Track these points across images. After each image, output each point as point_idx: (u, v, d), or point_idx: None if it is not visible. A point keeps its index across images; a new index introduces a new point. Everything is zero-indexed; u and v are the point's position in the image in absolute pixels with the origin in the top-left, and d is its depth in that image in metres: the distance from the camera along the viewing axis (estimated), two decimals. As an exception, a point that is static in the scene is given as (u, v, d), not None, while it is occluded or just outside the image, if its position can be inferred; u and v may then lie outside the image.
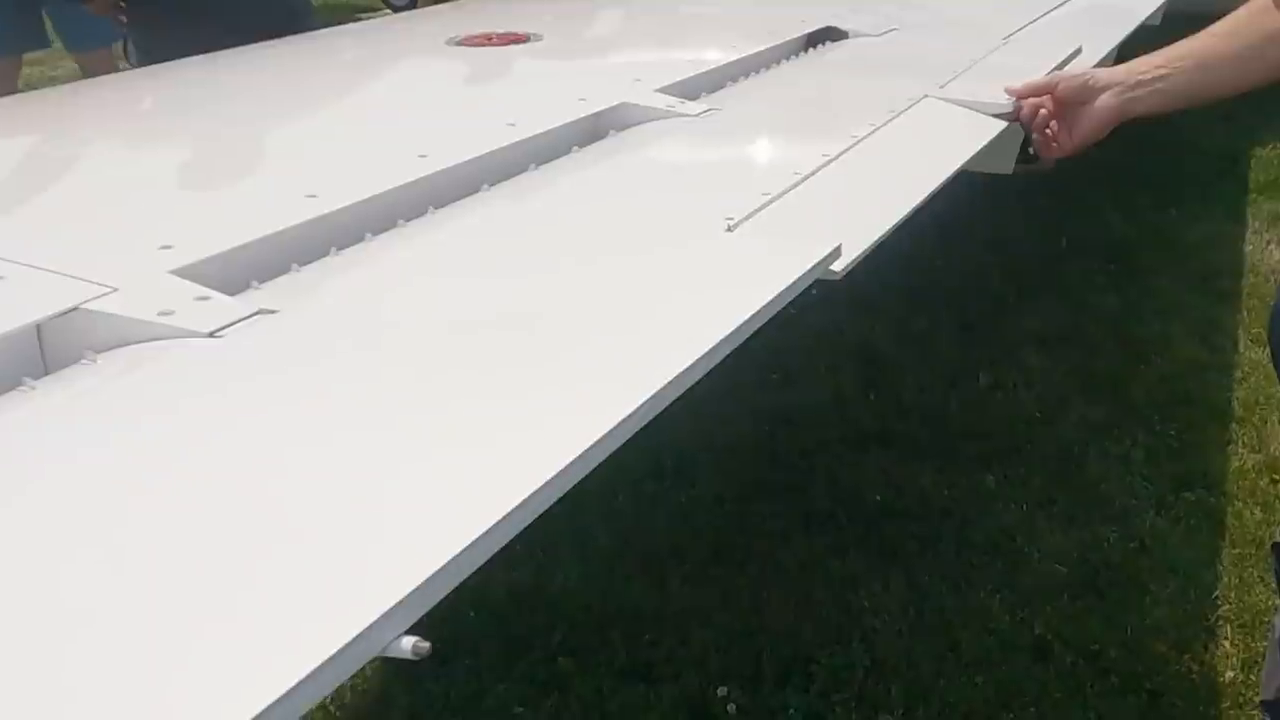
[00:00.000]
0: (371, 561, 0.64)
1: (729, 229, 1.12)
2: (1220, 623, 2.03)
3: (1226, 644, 1.98)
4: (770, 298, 0.94)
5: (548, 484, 0.70)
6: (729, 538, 2.25)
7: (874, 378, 2.85)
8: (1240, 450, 2.54)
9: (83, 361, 0.83)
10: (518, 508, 0.67)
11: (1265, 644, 1.78)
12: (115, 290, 0.87)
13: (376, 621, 0.58)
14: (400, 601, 0.60)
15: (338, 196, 1.08)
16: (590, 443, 0.73)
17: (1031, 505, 2.36)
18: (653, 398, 0.79)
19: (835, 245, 1.05)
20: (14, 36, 3.65)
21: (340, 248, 1.03)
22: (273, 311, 0.89)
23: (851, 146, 1.42)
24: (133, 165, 1.28)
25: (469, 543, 0.64)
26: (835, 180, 1.33)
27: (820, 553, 2.21)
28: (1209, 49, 1.33)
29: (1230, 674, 1.91)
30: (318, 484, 0.71)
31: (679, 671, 1.92)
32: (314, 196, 1.07)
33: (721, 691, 1.88)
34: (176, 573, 0.62)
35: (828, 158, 1.37)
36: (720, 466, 2.48)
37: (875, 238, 1.14)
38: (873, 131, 1.49)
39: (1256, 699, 1.81)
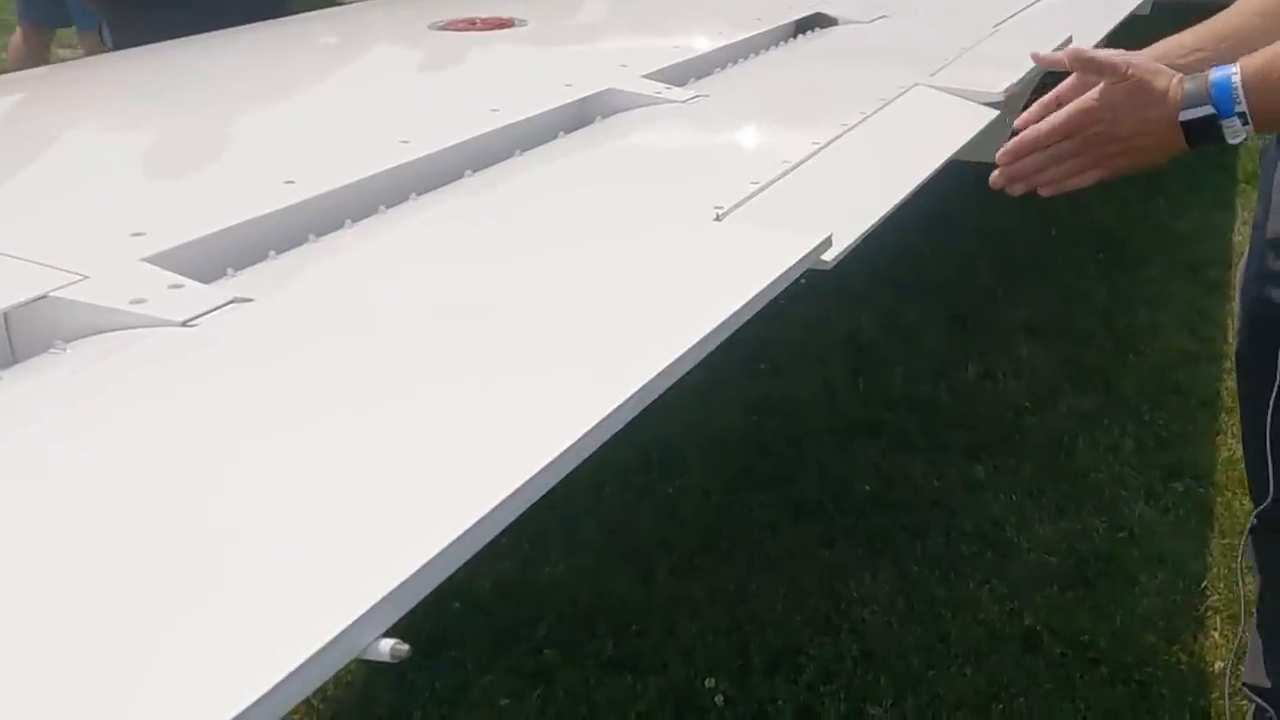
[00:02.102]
0: (350, 559, 0.62)
1: (717, 218, 1.10)
2: (1209, 613, 2.03)
3: (1215, 634, 1.98)
4: (759, 289, 0.92)
5: (533, 479, 0.68)
6: (717, 529, 2.23)
7: (863, 368, 2.84)
8: (1229, 440, 2.54)
9: (51, 351, 0.80)
10: (502, 503, 0.65)
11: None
12: (86, 278, 0.85)
13: (354, 623, 0.56)
14: (379, 602, 0.58)
15: (316, 183, 1.06)
16: (577, 436, 0.71)
17: (1021, 496, 2.35)
18: (640, 390, 0.77)
19: (825, 235, 1.04)
20: (42, 5, 3.75)
21: (319, 235, 1.01)
22: (248, 300, 0.86)
23: (841, 135, 1.40)
24: (105, 150, 1.25)
25: (452, 540, 0.62)
26: (825, 169, 1.31)
27: (809, 543, 2.20)
28: (1245, 27, 1.28)
29: (1219, 664, 1.91)
30: (293, 478, 0.68)
31: (666, 663, 1.90)
32: (292, 183, 1.05)
33: (709, 683, 1.86)
34: (151, 570, 0.60)
35: (817, 146, 1.35)
36: (708, 457, 2.46)
37: (865, 228, 1.12)
38: (863, 120, 1.47)
39: (1241, 683, 1.81)
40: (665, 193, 1.24)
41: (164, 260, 0.89)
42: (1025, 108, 1.41)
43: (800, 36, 2.03)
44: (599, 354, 0.84)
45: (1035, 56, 1.38)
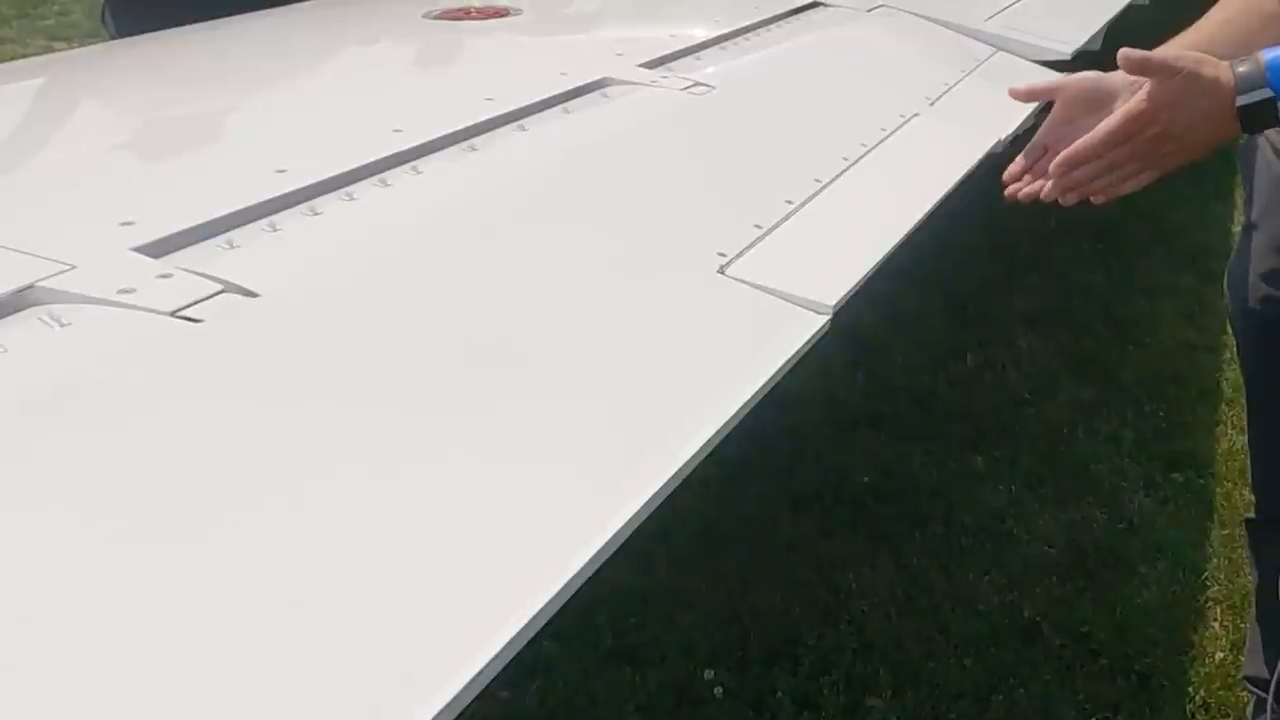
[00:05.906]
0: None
1: (720, 270, 1.06)
2: (1209, 604, 2.03)
3: (1215, 625, 1.97)
4: (761, 384, 0.90)
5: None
6: (715, 520, 2.22)
7: (862, 358, 2.83)
8: (1229, 431, 2.54)
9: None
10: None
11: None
12: (73, 268, 0.84)
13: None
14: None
15: (308, 171, 1.04)
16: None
17: (1020, 486, 2.34)
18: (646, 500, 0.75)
19: (827, 319, 1.02)
20: None
21: (310, 224, 0.99)
22: (238, 289, 0.85)
23: (846, 169, 1.36)
24: (96, 139, 1.23)
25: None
26: (821, 171, 1.28)
27: (808, 534, 2.20)
28: (1207, 40, 1.26)
29: (1220, 655, 1.90)
30: (278, 486, 0.67)
31: (665, 654, 1.90)
32: (283, 171, 1.04)
33: (708, 674, 1.86)
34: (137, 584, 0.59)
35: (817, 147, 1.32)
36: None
37: (863, 273, 1.11)
38: (865, 152, 1.42)
39: (1241, 675, 1.80)
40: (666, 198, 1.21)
41: (153, 250, 0.88)
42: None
43: (797, 25, 2.01)
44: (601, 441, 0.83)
45: (1016, 92, 1.32)
